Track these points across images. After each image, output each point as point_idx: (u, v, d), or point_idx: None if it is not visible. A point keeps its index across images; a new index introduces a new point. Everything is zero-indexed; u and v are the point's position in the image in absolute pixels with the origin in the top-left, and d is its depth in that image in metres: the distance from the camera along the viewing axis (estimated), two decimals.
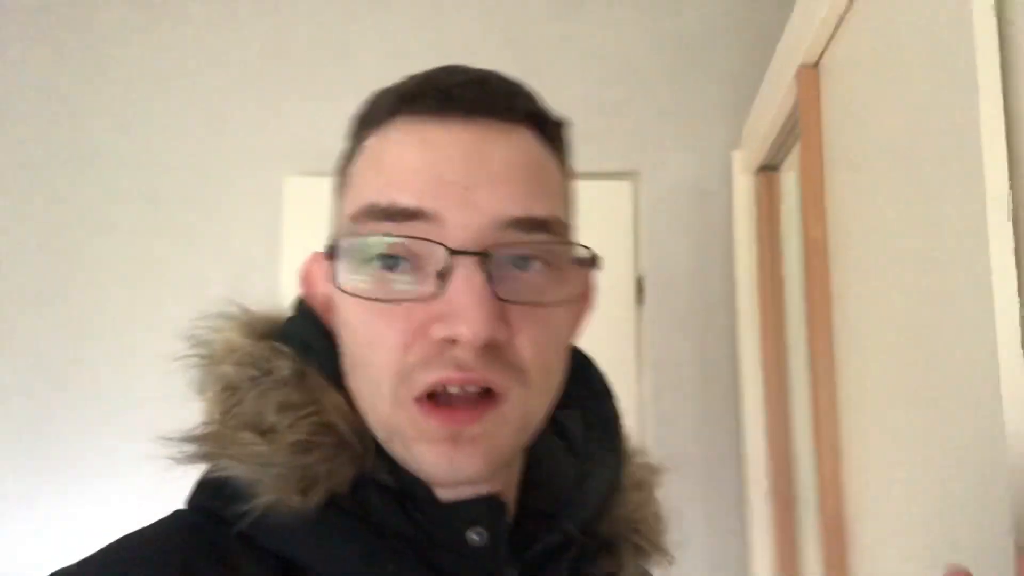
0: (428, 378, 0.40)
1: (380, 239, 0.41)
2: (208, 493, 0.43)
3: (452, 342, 0.40)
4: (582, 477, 0.49)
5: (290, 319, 0.48)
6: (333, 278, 0.43)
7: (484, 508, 0.43)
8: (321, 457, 0.41)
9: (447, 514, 0.43)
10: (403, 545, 0.42)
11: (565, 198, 0.47)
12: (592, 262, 0.46)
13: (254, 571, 0.41)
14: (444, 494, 0.43)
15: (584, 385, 0.53)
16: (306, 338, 0.46)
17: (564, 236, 0.45)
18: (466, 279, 0.40)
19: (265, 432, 0.41)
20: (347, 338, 0.44)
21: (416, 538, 0.42)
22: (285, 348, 0.45)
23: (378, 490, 0.43)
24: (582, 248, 0.45)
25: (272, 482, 0.40)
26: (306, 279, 0.49)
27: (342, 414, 0.43)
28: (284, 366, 0.44)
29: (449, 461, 0.41)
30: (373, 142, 0.45)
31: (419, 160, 0.42)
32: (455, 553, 0.43)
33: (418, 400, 0.41)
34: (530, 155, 0.44)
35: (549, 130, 0.47)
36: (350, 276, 0.42)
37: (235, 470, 0.41)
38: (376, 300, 0.41)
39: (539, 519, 0.47)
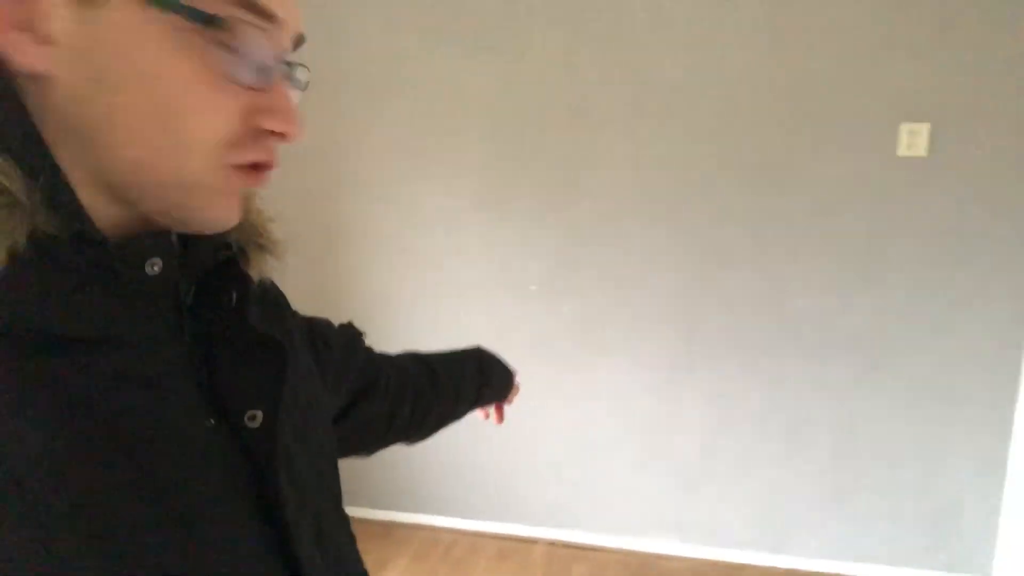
0: (255, 155, 0.48)
1: (261, 35, 0.46)
2: None
3: (274, 133, 0.48)
4: None
5: None
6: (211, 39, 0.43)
7: (157, 243, 0.48)
8: None
9: (127, 252, 0.46)
10: (93, 284, 0.44)
11: None
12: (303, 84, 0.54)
13: None
14: (113, 237, 0.46)
15: None
16: None
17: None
18: (291, 85, 0.50)
19: None
20: (140, 91, 0.43)
21: (102, 277, 0.45)
22: None
23: (56, 241, 0.43)
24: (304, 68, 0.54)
25: None
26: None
27: (6, 174, 0.41)
28: None
29: (234, 212, 0.50)
30: None
31: None
32: (137, 283, 0.47)
33: (239, 167, 0.48)
34: None
35: None
36: (206, 44, 0.44)
37: None
38: (228, 79, 0.45)
39: (200, 247, 0.54)
